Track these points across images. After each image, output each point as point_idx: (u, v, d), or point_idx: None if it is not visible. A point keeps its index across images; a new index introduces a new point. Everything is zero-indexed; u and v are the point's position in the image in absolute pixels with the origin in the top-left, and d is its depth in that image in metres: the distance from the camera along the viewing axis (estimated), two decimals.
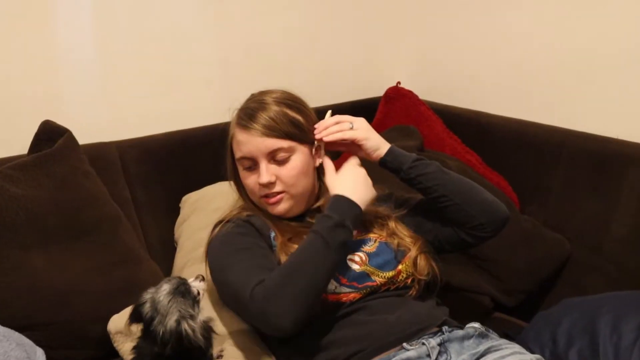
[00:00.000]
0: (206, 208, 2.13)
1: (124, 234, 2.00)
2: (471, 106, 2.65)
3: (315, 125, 1.76)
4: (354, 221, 1.62)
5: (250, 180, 1.75)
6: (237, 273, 1.61)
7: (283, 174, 1.73)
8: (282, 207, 1.76)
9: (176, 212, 2.24)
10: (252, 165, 1.73)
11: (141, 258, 2.01)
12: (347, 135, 1.74)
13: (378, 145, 1.76)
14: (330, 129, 1.75)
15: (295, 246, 1.65)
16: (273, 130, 1.70)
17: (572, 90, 2.37)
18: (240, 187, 1.82)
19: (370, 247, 1.75)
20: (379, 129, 2.55)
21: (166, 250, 2.18)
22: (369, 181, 1.72)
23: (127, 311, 1.82)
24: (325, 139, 1.74)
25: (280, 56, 2.62)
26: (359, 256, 1.72)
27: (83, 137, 2.06)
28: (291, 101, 1.76)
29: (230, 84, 2.48)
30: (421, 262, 1.75)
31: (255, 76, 2.51)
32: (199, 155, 2.26)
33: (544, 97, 2.46)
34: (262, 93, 1.78)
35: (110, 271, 1.91)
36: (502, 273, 2.23)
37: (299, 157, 1.74)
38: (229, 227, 1.75)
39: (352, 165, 1.74)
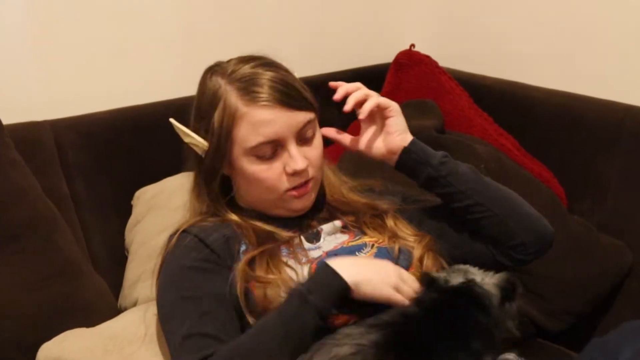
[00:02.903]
0: (165, 206, 2.13)
1: (60, 239, 1.99)
2: (505, 76, 2.66)
3: (338, 88, 1.75)
4: (326, 299, 1.57)
5: (272, 173, 1.73)
6: (175, 332, 1.62)
7: (312, 155, 1.74)
8: (309, 199, 1.78)
9: (127, 211, 2.23)
10: (272, 152, 1.72)
11: (82, 270, 2.00)
12: (381, 100, 1.74)
13: (405, 127, 1.76)
14: (357, 94, 1.73)
15: (262, 277, 1.65)
16: (297, 100, 1.70)
17: (634, 56, 2.37)
18: (216, 195, 1.81)
19: (366, 255, 1.75)
20: None
21: (114, 259, 2.18)
22: (389, 271, 1.65)
23: (62, 338, 1.84)
24: (363, 113, 1.72)
25: (261, 12, 2.61)
26: None
27: (8, 116, 2.05)
28: (273, 63, 1.76)
29: (196, 49, 2.48)
30: (428, 262, 1.75)
31: (229, 39, 2.50)
32: (156, 138, 2.23)
33: (598, 64, 2.46)
34: (229, 64, 1.76)
35: (43, 287, 1.91)
36: (545, 289, 2.23)
37: (318, 131, 1.77)
38: (183, 246, 1.74)
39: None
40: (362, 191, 1.91)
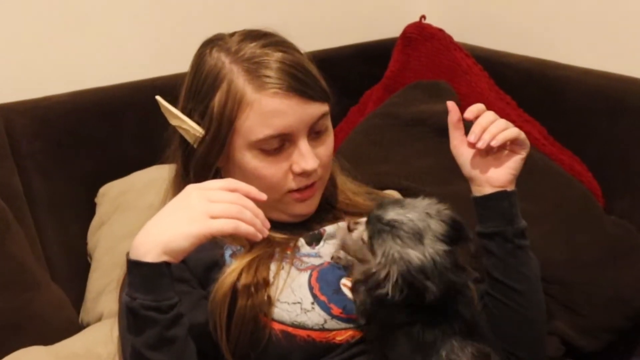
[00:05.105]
0: (134, 205, 2.14)
1: (11, 243, 1.99)
2: (532, 52, 2.66)
3: (475, 124, 1.69)
4: (149, 290, 1.50)
5: (276, 170, 1.72)
6: (125, 349, 1.60)
7: (323, 153, 1.75)
8: (314, 203, 1.78)
9: (90, 210, 2.24)
10: (278, 146, 1.71)
11: (37, 280, 2.01)
12: (523, 136, 1.70)
13: (517, 174, 1.74)
14: (493, 128, 1.67)
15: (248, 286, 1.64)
16: (312, 88, 1.69)
17: None
18: None
19: None
20: (395, 84, 2.58)
21: (75, 267, 2.19)
22: (189, 203, 1.51)
23: (15, 357, 1.86)
24: (495, 143, 1.67)
25: None
26: None
27: None
28: (284, 42, 1.74)
29: (171, 21, 2.48)
30: None
31: (209, 11, 2.50)
32: (124, 126, 2.25)
33: None
34: (232, 40, 1.74)
35: None
36: (578, 301, 2.22)
37: (330, 127, 1.77)
38: None
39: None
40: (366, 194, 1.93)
